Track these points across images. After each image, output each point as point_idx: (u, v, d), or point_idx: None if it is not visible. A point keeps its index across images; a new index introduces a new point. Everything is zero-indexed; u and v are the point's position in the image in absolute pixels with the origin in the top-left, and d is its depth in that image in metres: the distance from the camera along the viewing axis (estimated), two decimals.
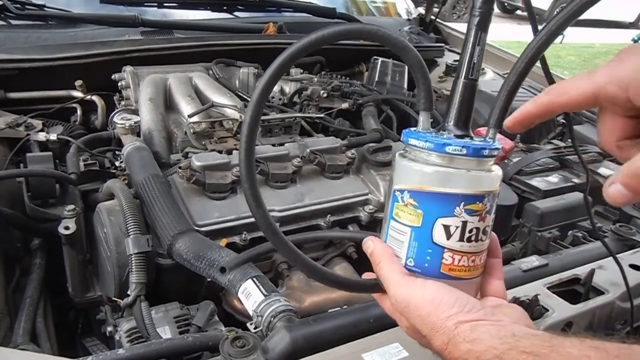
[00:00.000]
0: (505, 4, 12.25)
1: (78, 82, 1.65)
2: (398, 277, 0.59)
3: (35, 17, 1.80)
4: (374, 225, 1.33)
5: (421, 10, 2.64)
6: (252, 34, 1.98)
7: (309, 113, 1.67)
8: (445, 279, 0.59)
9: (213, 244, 1.07)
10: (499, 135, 0.62)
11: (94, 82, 1.67)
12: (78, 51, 1.63)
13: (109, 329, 1.06)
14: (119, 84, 1.62)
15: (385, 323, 0.84)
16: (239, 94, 1.66)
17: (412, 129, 0.62)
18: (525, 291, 0.96)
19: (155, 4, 2.00)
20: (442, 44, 2.43)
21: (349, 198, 1.33)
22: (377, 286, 0.64)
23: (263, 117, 1.52)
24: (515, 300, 0.91)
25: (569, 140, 1.78)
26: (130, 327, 1.00)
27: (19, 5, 1.76)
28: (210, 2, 2.11)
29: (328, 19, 2.14)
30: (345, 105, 1.73)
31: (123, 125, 1.44)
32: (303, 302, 1.12)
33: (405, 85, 1.94)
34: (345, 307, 0.99)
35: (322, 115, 1.66)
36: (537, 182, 1.52)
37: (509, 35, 7.74)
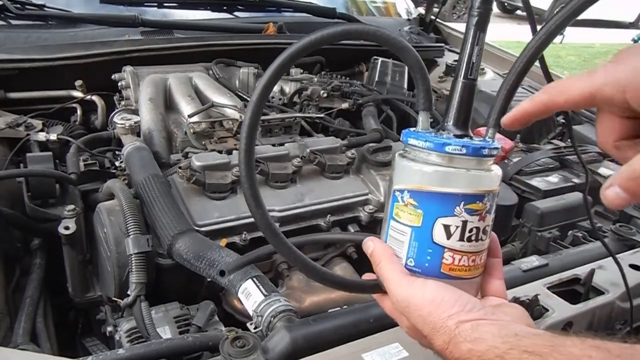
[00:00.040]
0: (505, 4, 12.26)
1: (78, 82, 1.65)
2: (398, 277, 0.59)
3: (35, 17, 1.80)
4: (374, 225, 1.33)
5: (421, 10, 2.64)
6: (252, 34, 1.98)
7: (309, 113, 1.67)
8: (446, 278, 0.59)
9: (213, 244, 1.07)
10: (498, 135, 0.62)
11: (94, 82, 1.67)
12: (78, 51, 1.63)
13: (109, 329, 1.06)
14: (119, 84, 1.62)
15: (385, 323, 0.84)
16: (239, 94, 1.66)
17: (412, 129, 0.63)
18: (525, 291, 0.96)
19: (155, 4, 2.00)
20: (442, 44, 2.43)
21: (349, 198, 1.33)
22: (377, 287, 0.64)
23: (263, 117, 1.52)
24: (515, 300, 0.91)
25: (569, 140, 1.78)
26: (130, 327, 1.00)
27: (19, 5, 1.76)
28: (210, 2, 2.11)
29: (328, 19, 2.14)
30: (345, 105, 1.73)
31: (123, 125, 1.44)
32: (303, 302, 1.12)
33: (405, 85, 1.94)
34: (345, 307, 0.99)
35: (322, 115, 1.66)
36: (537, 182, 1.52)
37: (508, 35, 7.74)
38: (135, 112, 1.53)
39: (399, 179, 0.61)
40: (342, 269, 1.25)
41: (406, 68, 1.92)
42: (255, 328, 0.90)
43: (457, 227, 0.58)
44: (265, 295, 0.92)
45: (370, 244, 0.64)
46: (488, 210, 0.59)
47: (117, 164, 1.36)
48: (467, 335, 0.52)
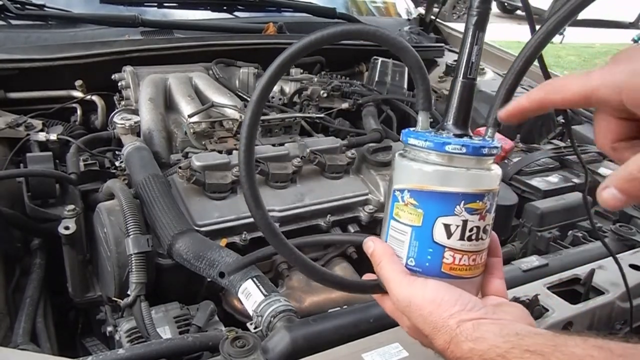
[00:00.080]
0: (505, 4, 12.26)
1: (78, 82, 1.65)
2: (399, 277, 0.59)
3: (35, 17, 1.80)
4: (374, 226, 1.33)
5: (421, 10, 2.64)
6: (252, 34, 1.98)
7: (309, 113, 1.67)
8: (446, 278, 0.59)
9: (213, 244, 1.07)
10: (498, 135, 0.62)
11: (94, 82, 1.67)
12: (78, 51, 1.63)
13: (109, 329, 1.06)
14: (119, 84, 1.62)
15: (385, 323, 0.84)
16: (239, 94, 1.66)
17: (412, 128, 0.63)
18: (525, 291, 0.96)
19: (155, 4, 2.00)
20: (442, 44, 2.43)
21: (349, 198, 1.33)
22: (377, 287, 0.64)
23: (263, 117, 1.52)
24: (516, 300, 0.90)
25: (569, 140, 1.78)
26: (130, 327, 1.00)
27: (19, 5, 1.76)
28: (210, 2, 2.11)
29: (328, 19, 2.14)
30: (345, 105, 1.73)
31: (123, 125, 1.44)
32: (303, 302, 1.12)
33: (405, 85, 1.94)
34: (345, 307, 0.99)
35: (322, 115, 1.66)
36: (537, 182, 1.52)
37: (508, 35, 7.74)
38: (135, 112, 1.52)
39: (399, 179, 0.61)
40: (342, 269, 1.25)
41: (406, 68, 1.92)
42: (255, 328, 0.90)
43: (458, 226, 0.58)
44: (265, 295, 0.92)
45: (371, 244, 0.64)
46: (488, 209, 0.59)
47: (117, 164, 1.36)
48: (469, 335, 0.52)
